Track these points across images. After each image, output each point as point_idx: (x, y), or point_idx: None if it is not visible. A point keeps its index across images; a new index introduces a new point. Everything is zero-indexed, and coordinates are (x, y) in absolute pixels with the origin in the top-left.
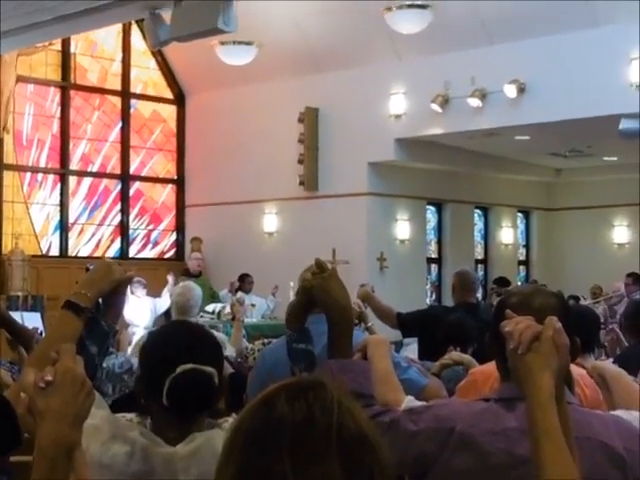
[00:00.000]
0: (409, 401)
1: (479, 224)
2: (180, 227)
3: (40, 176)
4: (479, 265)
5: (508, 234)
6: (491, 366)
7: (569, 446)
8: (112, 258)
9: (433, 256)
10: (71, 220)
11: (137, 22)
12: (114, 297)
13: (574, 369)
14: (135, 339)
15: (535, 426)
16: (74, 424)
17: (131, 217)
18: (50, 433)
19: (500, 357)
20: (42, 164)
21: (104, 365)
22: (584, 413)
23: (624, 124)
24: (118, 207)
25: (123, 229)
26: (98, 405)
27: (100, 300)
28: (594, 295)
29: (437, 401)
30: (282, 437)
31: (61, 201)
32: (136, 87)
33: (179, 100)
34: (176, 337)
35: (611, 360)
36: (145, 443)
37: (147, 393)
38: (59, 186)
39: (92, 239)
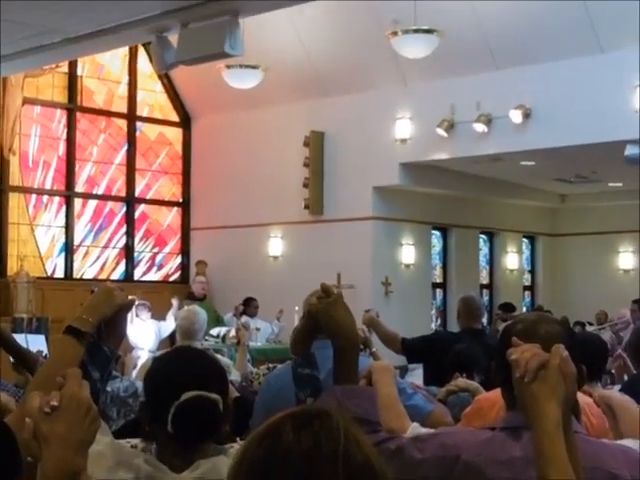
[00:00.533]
0: (414, 427)
1: (484, 249)
2: (185, 250)
3: (45, 198)
4: (484, 290)
5: (513, 259)
6: (497, 393)
7: (576, 476)
8: (117, 281)
9: (438, 281)
10: (76, 242)
11: (144, 45)
12: (116, 322)
13: (581, 397)
14: (140, 362)
15: (542, 455)
16: (79, 449)
17: (136, 240)
18: (55, 458)
19: (506, 385)
20: (48, 186)
21: (109, 389)
22: (591, 442)
23: (629, 150)
24: (123, 230)
25: (128, 252)
26: (102, 432)
27: (102, 325)
28: (599, 321)
29: (443, 429)
30: (288, 466)
31: (66, 223)
32: (142, 110)
33: (185, 123)
34: (180, 363)
35: (618, 387)
36: (149, 471)
37: (152, 420)
38: (64, 208)
39: (97, 261)
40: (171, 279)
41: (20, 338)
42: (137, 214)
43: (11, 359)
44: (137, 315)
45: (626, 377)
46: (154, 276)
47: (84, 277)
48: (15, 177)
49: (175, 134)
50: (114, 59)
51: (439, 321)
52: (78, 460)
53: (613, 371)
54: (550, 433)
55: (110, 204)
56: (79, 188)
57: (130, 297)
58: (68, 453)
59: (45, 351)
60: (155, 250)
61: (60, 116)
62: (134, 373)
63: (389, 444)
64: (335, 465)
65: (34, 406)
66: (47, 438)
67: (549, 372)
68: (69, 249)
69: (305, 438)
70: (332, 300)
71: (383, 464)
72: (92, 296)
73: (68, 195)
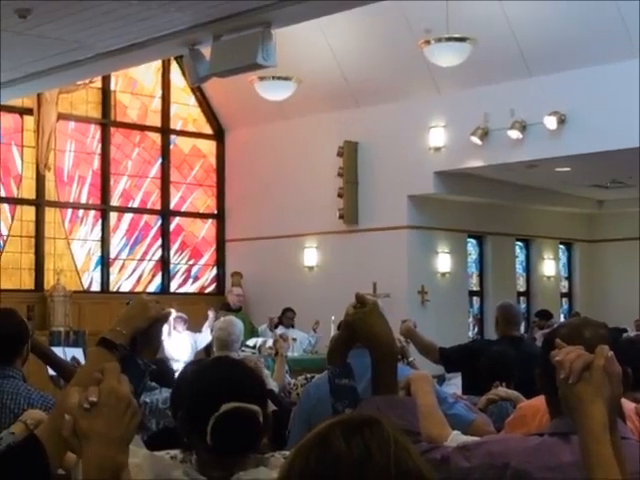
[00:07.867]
0: (456, 435)
1: (521, 256)
2: (220, 262)
3: (81, 212)
4: (521, 298)
5: (550, 266)
6: (539, 400)
7: (623, 476)
8: (153, 293)
9: (475, 289)
10: (112, 256)
11: (176, 59)
12: (150, 334)
13: (625, 402)
14: (177, 375)
15: (588, 456)
16: (120, 445)
17: (172, 252)
18: (96, 456)
19: (551, 392)
20: (83, 200)
21: (147, 400)
22: None
23: None
24: (159, 242)
25: (164, 264)
26: (137, 444)
27: (137, 337)
28: (638, 327)
29: (490, 437)
30: (340, 474)
31: (102, 237)
32: (176, 123)
33: (218, 135)
34: (219, 374)
35: None
36: None
37: (190, 431)
38: (100, 222)
39: (133, 274)
40: (207, 291)
41: (58, 351)
42: (172, 227)
43: (49, 372)
44: (174, 327)
45: None
46: (190, 288)
47: (120, 290)
48: (51, 192)
49: (209, 147)
50: (147, 73)
51: (476, 329)
52: (119, 457)
53: None
54: (596, 434)
55: (145, 217)
56: (114, 202)
57: (166, 310)
58: (109, 449)
59: (82, 361)
60: (191, 262)
61: (94, 131)
62: None
63: (434, 454)
64: (388, 472)
65: (73, 402)
66: (87, 435)
67: (594, 373)
68: (105, 263)
69: (356, 445)
70: (368, 309)
71: (432, 472)
72: (127, 308)
73: (103, 209)
